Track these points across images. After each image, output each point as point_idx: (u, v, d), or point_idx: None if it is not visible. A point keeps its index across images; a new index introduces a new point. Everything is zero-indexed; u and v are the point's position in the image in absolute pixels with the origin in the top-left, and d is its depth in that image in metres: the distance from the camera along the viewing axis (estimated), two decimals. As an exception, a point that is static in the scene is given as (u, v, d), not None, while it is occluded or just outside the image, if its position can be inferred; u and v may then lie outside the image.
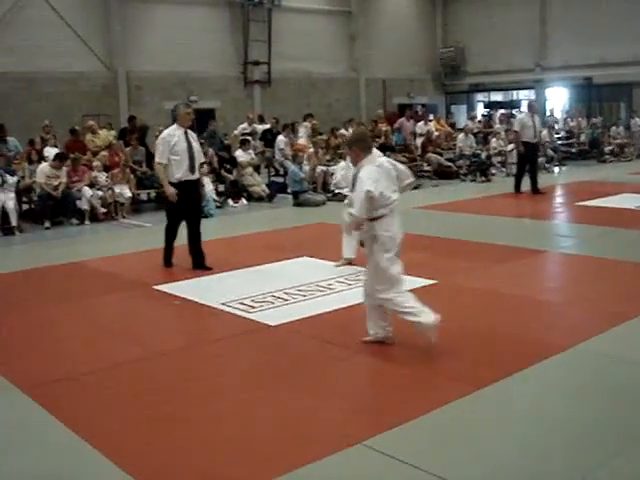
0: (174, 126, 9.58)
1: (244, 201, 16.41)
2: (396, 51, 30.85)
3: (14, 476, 4.51)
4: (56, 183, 14.37)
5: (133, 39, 23.92)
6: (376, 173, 6.24)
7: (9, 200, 13.73)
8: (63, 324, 7.69)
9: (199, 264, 9.76)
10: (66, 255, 11.25)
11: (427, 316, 6.26)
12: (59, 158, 14.55)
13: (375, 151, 6.52)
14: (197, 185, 10.01)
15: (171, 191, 9.51)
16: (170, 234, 9.90)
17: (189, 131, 9.66)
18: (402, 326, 6.71)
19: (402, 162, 19.24)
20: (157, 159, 9.69)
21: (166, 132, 9.69)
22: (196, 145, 9.76)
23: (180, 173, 9.48)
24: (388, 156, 18.24)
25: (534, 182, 16.47)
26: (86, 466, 4.58)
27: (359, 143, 6.53)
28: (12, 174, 14.26)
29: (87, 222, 14.48)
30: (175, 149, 9.40)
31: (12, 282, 9.97)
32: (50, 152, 15.14)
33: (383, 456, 4.48)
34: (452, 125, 24.77)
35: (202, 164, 10.15)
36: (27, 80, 21.92)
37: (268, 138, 19.44)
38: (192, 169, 9.57)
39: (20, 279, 10.10)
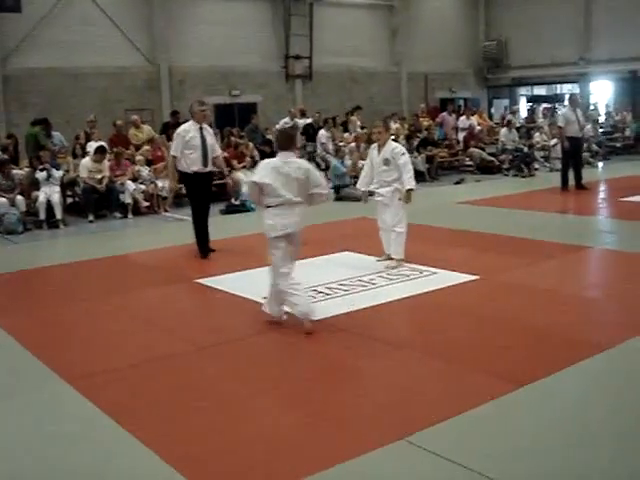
0: (190, 122, 10.31)
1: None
2: (438, 45, 30.63)
3: (60, 467, 4.56)
4: (99, 177, 14.55)
5: (176, 34, 24.04)
6: (266, 169, 6.97)
7: (54, 194, 13.93)
8: (107, 317, 7.77)
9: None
10: (110, 248, 11.38)
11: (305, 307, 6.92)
12: (99, 152, 14.72)
13: (287, 154, 7.07)
14: (209, 177, 10.75)
15: (172, 185, 11.15)
16: (197, 222, 10.51)
17: (206, 127, 10.41)
18: (441, 324, 6.70)
19: (443, 157, 19.49)
20: (171, 152, 10.57)
21: (182, 128, 10.43)
22: (210, 140, 10.43)
23: (195, 166, 10.22)
24: (430, 151, 18.31)
25: (578, 177, 16.27)
26: (129, 457, 4.62)
27: (276, 141, 7.68)
28: (57, 168, 14.46)
29: (130, 215, 14.64)
30: (190, 144, 10.12)
31: (58, 275, 10.13)
32: (93, 147, 15.31)
33: (425, 452, 4.45)
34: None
35: (216, 157, 10.67)
36: (72, 75, 22.15)
37: (310, 133, 19.43)
38: (205, 162, 10.29)
39: (66, 272, 10.24)
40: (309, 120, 20.82)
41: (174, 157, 10.40)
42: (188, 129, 10.22)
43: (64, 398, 5.63)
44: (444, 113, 22.56)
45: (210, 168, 10.52)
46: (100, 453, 4.71)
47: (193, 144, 10.16)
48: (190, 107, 10.60)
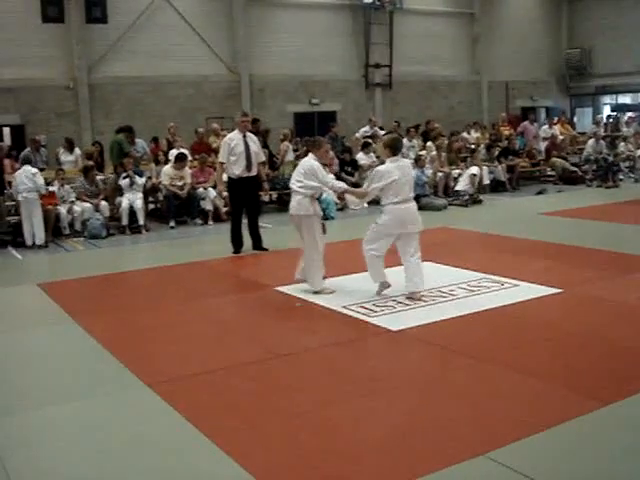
0: (235, 131, 11.37)
1: (365, 204, 16.41)
2: (519, 53, 30.22)
3: (142, 470, 4.61)
4: (180, 184, 14.78)
5: (256, 43, 24.29)
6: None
7: (137, 200, 14.21)
8: (188, 322, 7.86)
9: (257, 246, 11.55)
10: (190, 254, 11.53)
11: None
12: (179, 159, 14.95)
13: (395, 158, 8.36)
14: (254, 181, 11.51)
15: (221, 188, 12.29)
16: (234, 222, 11.57)
17: (249, 135, 11.40)
18: (523, 338, 6.59)
19: (525, 167, 19.17)
20: (219, 159, 11.69)
21: (228, 136, 11.58)
22: (254, 147, 11.38)
23: (239, 171, 11.19)
24: (511, 160, 18.08)
25: None
26: (209, 463, 4.63)
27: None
28: (140, 175, 14.74)
29: (210, 222, 14.81)
30: (234, 151, 11.07)
31: (140, 279, 10.31)
32: (174, 154, 15.56)
33: (506, 469, 4.36)
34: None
35: (262, 163, 11.88)
36: (154, 84, 22.57)
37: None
38: (249, 168, 11.24)
39: (147, 277, 10.42)
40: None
41: (221, 163, 11.52)
42: (233, 137, 11.25)
43: (144, 401, 5.71)
44: (525, 122, 22.22)
45: (254, 173, 11.39)
46: (179, 457, 4.74)
47: (237, 151, 11.13)
48: (234, 118, 11.73)
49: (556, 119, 24.55)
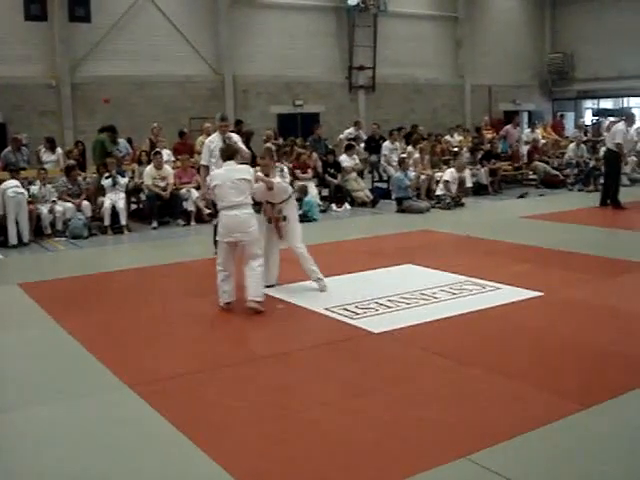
0: (215, 133, 11.25)
1: (347, 206, 16.46)
2: (502, 57, 30.37)
3: (123, 473, 4.59)
4: (162, 184, 14.74)
5: (240, 44, 24.26)
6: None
7: (119, 200, 14.16)
8: (171, 323, 7.84)
9: None
10: (172, 255, 11.50)
11: None
12: (156, 158, 14.98)
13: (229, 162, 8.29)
14: None
15: (204, 191, 11.37)
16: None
17: (230, 135, 11.20)
18: (504, 341, 6.61)
19: (507, 170, 19.23)
20: (201, 162, 11.47)
21: (208, 139, 11.46)
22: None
23: None
24: (494, 164, 18.14)
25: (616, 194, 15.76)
26: (192, 466, 4.63)
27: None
28: (123, 175, 14.68)
29: (193, 223, 14.78)
30: (214, 152, 10.69)
31: (123, 280, 10.27)
32: (164, 154, 15.55)
33: (487, 471, 4.38)
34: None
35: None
36: (137, 83, 22.50)
37: (372, 145, 19.39)
38: None
39: (130, 277, 10.38)
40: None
41: (204, 166, 11.15)
42: (212, 140, 11.12)
43: (125, 402, 5.69)
44: (508, 126, 22.30)
45: None
46: (159, 459, 4.74)
47: (217, 153, 10.83)
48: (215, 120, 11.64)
49: (549, 122, 24.66)
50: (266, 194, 8.67)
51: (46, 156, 16.23)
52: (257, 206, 8.55)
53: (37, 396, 5.96)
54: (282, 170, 8.96)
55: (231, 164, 8.21)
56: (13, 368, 6.75)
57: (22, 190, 13.40)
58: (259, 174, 8.58)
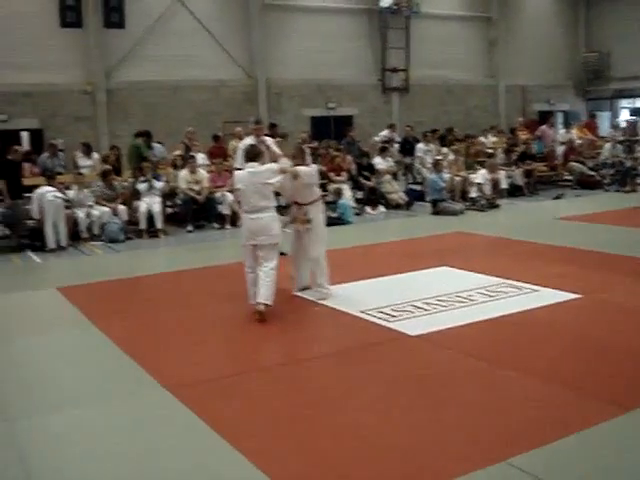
0: (249, 137, 11.14)
1: (382, 208, 16.43)
2: (536, 57, 30.07)
3: (159, 473, 4.63)
4: (197, 188, 14.83)
5: (273, 47, 24.32)
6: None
7: (155, 204, 14.27)
8: (207, 326, 7.87)
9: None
10: (209, 258, 11.55)
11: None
12: (190, 163, 15.09)
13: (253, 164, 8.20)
14: None
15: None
16: None
17: (264, 139, 11.07)
18: (542, 344, 6.55)
19: (542, 171, 19.05)
20: (235, 164, 11.26)
21: (242, 142, 11.41)
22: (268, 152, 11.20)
23: None
24: (529, 165, 17.96)
25: None
26: (227, 466, 4.66)
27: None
28: (158, 179, 14.79)
29: (228, 226, 14.84)
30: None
31: (159, 283, 10.34)
32: (198, 158, 15.64)
33: (527, 475, 4.34)
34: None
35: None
36: (172, 88, 22.63)
37: (406, 147, 19.33)
38: None
39: (166, 280, 10.44)
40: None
41: (238, 169, 10.91)
42: (246, 143, 10.92)
43: (162, 404, 5.73)
44: (544, 126, 22.12)
45: None
46: (197, 460, 4.75)
47: None
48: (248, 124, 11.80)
49: (581, 122, 24.42)
50: (293, 191, 8.61)
51: (82, 161, 16.42)
52: (284, 209, 8.57)
53: (77, 398, 6.02)
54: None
55: (254, 165, 8.17)
56: (53, 370, 6.81)
57: (60, 195, 13.56)
58: (284, 164, 8.51)
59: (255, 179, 7.99)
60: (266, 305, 7.88)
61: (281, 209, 8.45)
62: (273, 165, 8.38)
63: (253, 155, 8.31)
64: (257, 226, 7.98)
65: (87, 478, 4.60)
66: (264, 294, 7.89)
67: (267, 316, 7.88)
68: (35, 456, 4.88)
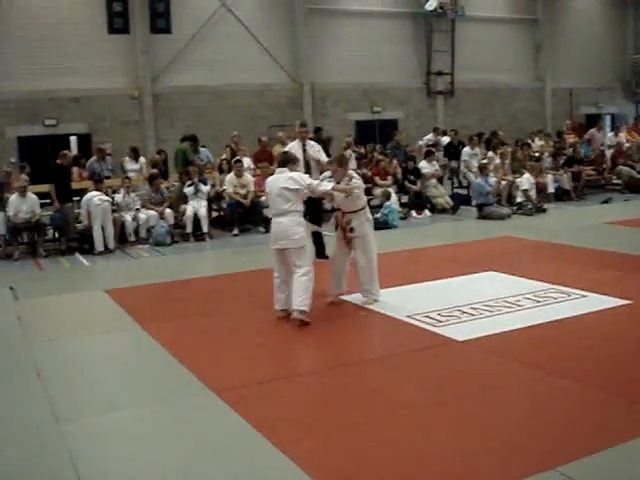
0: (295, 141, 11.57)
1: (427, 212, 16.36)
2: (584, 59, 29.73)
3: (207, 475, 4.65)
4: (243, 192, 14.91)
5: (318, 51, 24.40)
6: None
7: (201, 208, 14.38)
8: (253, 330, 7.89)
9: (320, 254, 11.10)
10: (254, 262, 11.54)
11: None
12: (236, 167, 15.15)
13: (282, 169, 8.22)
14: None
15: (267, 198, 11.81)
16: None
17: (309, 143, 11.53)
18: (592, 351, 6.47)
19: (590, 175, 18.77)
20: None
21: (288, 146, 11.78)
22: (313, 154, 11.38)
23: None
24: (576, 168, 17.66)
25: None
26: (274, 470, 4.66)
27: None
28: (205, 183, 14.91)
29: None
30: None
31: (205, 286, 10.40)
32: (244, 162, 15.74)
33: (578, 485, 4.29)
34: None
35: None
36: (217, 93, 22.82)
37: (451, 151, 19.23)
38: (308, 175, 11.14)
39: (212, 284, 10.51)
40: (447, 139, 20.63)
41: None
42: (292, 146, 11.33)
43: (210, 407, 5.75)
44: (593, 129, 21.84)
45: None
46: (244, 464, 4.77)
47: None
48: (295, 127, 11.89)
49: (630, 125, 24.10)
50: (343, 201, 8.57)
51: (130, 165, 16.61)
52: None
53: (125, 399, 6.09)
54: (351, 179, 8.54)
55: (284, 171, 8.16)
56: (101, 371, 6.89)
57: (107, 198, 13.74)
58: (337, 185, 8.37)
59: (278, 183, 8.04)
60: (300, 311, 7.86)
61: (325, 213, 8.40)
62: (303, 177, 8.28)
63: (283, 161, 8.34)
64: (279, 230, 8.01)
65: (135, 478, 4.64)
66: (295, 301, 7.90)
67: (313, 319, 7.89)
68: (84, 456, 4.93)
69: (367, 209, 8.86)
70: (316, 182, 8.30)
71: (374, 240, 8.79)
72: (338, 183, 8.46)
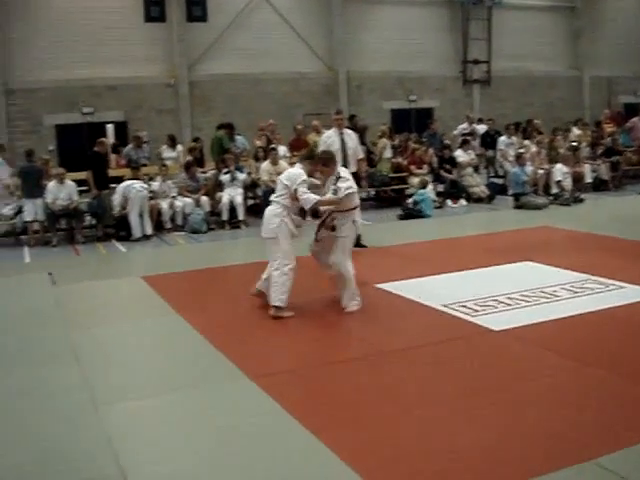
0: (332, 129, 11.54)
1: (463, 202, 16.27)
2: (622, 47, 29.23)
3: (244, 461, 4.66)
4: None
5: (354, 39, 24.32)
6: None
7: (237, 195, 14.44)
8: (289, 317, 7.88)
9: (356, 243, 10.33)
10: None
11: None
12: (272, 154, 15.13)
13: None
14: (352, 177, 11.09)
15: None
16: None
17: (346, 131, 11.54)
18: (630, 343, 6.41)
19: (630, 165, 18.47)
20: None
21: (325, 134, 11.88)
22: (351, 144, 11.46)
23: None
24: (615, 158, 17.49)
25: None
26: (311, 457, 4.68)
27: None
28: (241, 171, 14.96)
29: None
30: (330, 148, 10.84)
31: (241, 274, 10.41)
32: (280, 150, 15.75)
33: (616, 477, 4.24)
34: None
35: (361, 160, 11.80)
36: (253, 81, 22.85)
37: (487, 140, 19.07)
38: (345, 164, 10.87)
39: (248, 271, 10.46)
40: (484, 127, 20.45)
41: None
42: (330, 135, 11.49)
43: (246, 393, 5.78)
44: (635, 118, 21.48)
45: (352, 169, 10.93)
46: (281, 451, 4.79)
47: (333, 148, 10.97)
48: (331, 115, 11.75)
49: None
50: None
51: (167, 153, 16.72)
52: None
53: (162, 384, 6.17)
54: (337, 179, 8.00)
55: (297, 165, 8.26)
56: (138, 357, 6.97)
57: (146, 186, 13.86)
58: (324, 198, 7.97)
59: (284, 172, 8.22)
60: (275, 307, 7.82)
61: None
62: (301, 175, 7.90)
63: (305, 155, 8.46)
64: (264, 218, 8.07)
65: (173, 462, 4.69)
66: (270, 296, 7.89)
67: (341, 309, 7.99)
68: (122, 439, 4.99)
69: (357, 211, 8.29)
70: (303, 190, 7.80)
71: (351, 244, 8.33)
72: (324, 186, 8.24)
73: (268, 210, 8.00)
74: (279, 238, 7.88)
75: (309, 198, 7.77)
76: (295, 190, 7.77)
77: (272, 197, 8.11)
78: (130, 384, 6.15)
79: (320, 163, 8.20)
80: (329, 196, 8.00)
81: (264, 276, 8.16)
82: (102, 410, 5.52)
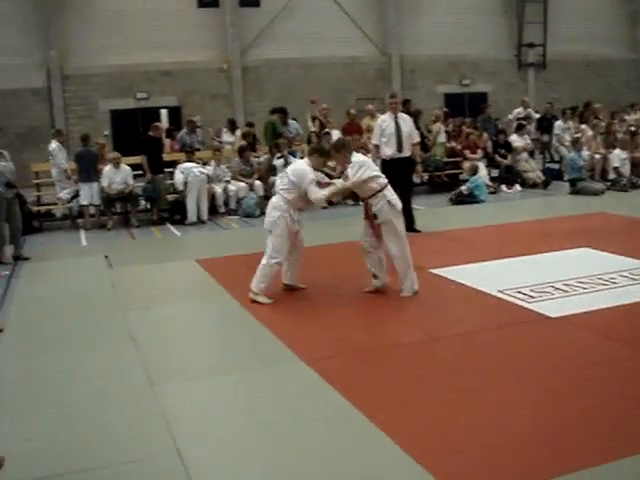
0: (387, 113, 11.49)
1: (518, 187, 16.09)
2: (683, 29, 28.65)
3: (301, 445, 4.66)
4: (332, 164, 14.85)
5: (406, 23, 24.15)
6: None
7: (291, 180, 14.42)
8: (344, 303, 7.89)
9: (409, 227, 10.41)
10: (344, 234, 11.45)
11: None
12: (325, 139, 15.08)
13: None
14: (407, 161, 11.45)
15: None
16: None
17: (401, 115, 11.46)
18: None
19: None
20: (372, 141, 11.95)
21: (380, 118, 11.94)
22: (405, 128, 11.38)
23: (390, 152, 11.34)
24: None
25: None
26: (367, 440, 4.67)
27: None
28: (294, 155, 14.96)
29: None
30: (385, 132, 11.28)
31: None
32: (333, 135, 15.71)
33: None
34: None
35: (415, 144, 11.70)
36: (306, 66, 22.86)
37: (544, 125, 18.80)
38: (400, 149, 11.31)
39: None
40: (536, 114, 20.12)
41: (375, 145, 11.63)
42: (384, 119, 11.48)
43: (302, 377, 5.80)
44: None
45: (407, 154, 11.40)
46: (339, 435, 4.78)
47: (388, 132, 11.29)
48: (384, 99, 11.89)
49: None
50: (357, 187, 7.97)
51: (227, 136, 16.89)
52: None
53: (218, 366, 6.22)
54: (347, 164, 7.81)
55: (304, 160, 8.28)
56: (193, 339, 7.01)
57: (205, 171, 13.98)
58: (332, 189, 7.93)
59: (292, 164, 8.27)
60: (253, 292, 7.96)
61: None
62: (306, 169, 7.81)
63: (312, 149, 8.58)
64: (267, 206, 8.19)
65: (228, 443, 4.73)
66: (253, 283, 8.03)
67: (395, 294, 7.96)
68: (178, 420, 5.04)
69: (386, 190, 7.87)
70: (313, 190, 7.69)
71: (401, 224, 8.03)
72: (342, 172, 8.11)
73: (272, 201, 8.07)
74: (273, 233, 7.94)
75: (319, 198, 7.82)
76: (306, 190, 7.73)
77: (277, 187, 8.17)
78: (186, 365, 6.21)
79: (332, 152, 8.07)
80: (336, 182, 8.09)
81: (284, 268, 8.28)
82: (158, 390, 5.60)
